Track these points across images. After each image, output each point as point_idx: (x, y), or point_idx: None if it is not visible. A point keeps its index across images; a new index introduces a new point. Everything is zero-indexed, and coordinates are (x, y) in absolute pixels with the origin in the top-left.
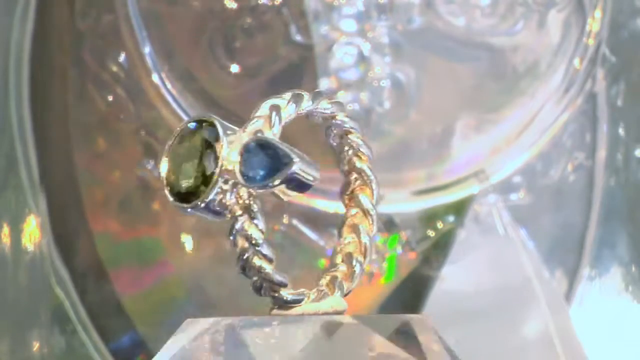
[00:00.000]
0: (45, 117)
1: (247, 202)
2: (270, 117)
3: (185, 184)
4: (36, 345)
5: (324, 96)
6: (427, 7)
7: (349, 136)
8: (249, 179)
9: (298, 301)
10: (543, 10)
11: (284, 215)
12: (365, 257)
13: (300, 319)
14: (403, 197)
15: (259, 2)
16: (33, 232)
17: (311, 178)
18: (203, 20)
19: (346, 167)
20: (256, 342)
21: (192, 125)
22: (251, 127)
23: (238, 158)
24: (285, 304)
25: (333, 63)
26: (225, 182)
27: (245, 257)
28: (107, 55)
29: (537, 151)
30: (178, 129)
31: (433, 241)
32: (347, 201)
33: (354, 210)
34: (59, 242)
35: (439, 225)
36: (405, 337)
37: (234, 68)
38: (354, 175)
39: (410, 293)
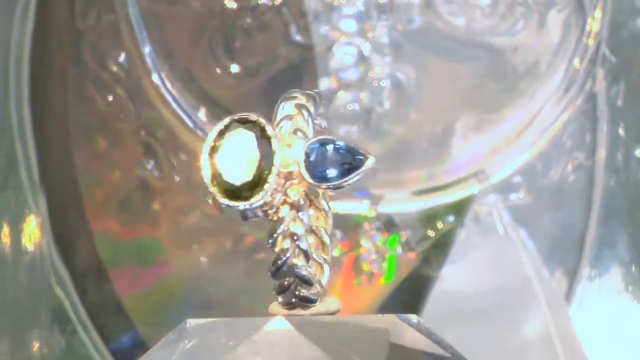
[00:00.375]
0: (45, 117)
1: (296, 199)
2: (302, 115)
3: (236, 183)
4: (36, 345)
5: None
6: (427, 7)
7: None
8: (319, 179)
9: (316, 300)
10: (543, 10)
11: None
12: (328, 254)
13: (298, 319)
14: (403, 197)
15: (259, 2)
16: (33, 232)
17: (369, 174)
18: (203, 20)
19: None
20: (253, 343)
21: (233, 124)
22: (289, 126)
23: (302, 158)
24: (305, 303)
25: (333, 63)
26: (283, 180)
27: (285, 256)
28: (107, 55)
29: (537, 151)
30: (219, 127)
31: (433, 241)
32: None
33: (310, 212)
34: (59, 242)
35: (439, 225)
36: (400, 337)
37: (234, 68)
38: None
39: (410, 293)
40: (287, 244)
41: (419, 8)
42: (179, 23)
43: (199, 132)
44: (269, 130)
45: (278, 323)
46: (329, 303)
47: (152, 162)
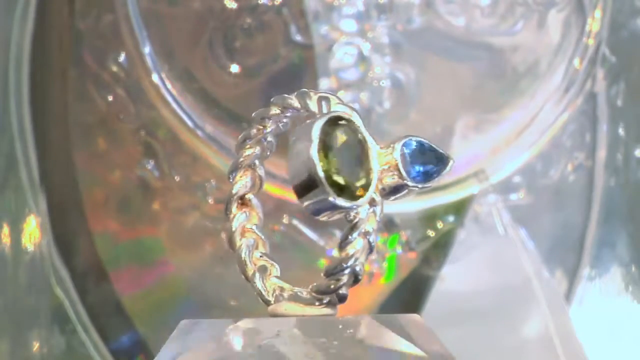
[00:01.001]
0: (45, 117)
1: (373, 197)
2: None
3: (358, 182)
4: (36, 345)
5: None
6: (427, 7)
7: None
8: (413, 178)
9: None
10: (543, 10)
11: (284, 215)
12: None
13: (298, 320)
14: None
15: (259, 2)
16: (33, 232)
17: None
18: (203, 20)
19: None
20: (253, 343)
21: (330, 122)
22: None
23: (399, 156)
24: (341, 302)
25: (333, 63)
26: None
27: (357, 257)
28: (107, 55)
29: (537, 151)
30: (319, 126)
31: (433, 241)
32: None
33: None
34: (59, 242)
35: (439, 225)
36: (400, 337)
37: (234, 68)
38: None
39: (410, 293)
40: (359, 243)
41: (419, 8)
42: (179, 23)
43: (199, 132)
44: (362, 128)
45: (275, 323)
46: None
47: (152, 162)
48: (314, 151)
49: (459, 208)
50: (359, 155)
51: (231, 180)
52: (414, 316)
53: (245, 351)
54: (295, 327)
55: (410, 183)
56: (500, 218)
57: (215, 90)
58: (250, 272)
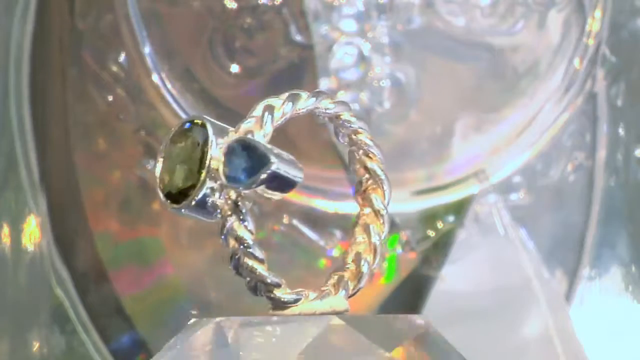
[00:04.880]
0: (45, 117)
1: (235, 202)
2: (262, 117)
3: (180, 184)
4: (36, 345)
5: (326, 95)
6: (427, 7)
7: (358, 136)
8: (232, 180)
9: (294, 301)
10: (543, 10)
11: (284, 215)
12: (374, 257)
13: (300, 319)
14: (403, 197)
15: (259, 2)
16: (33, 232)
17: (293, 177)
18: (203, 20)
19: (357, 167)
20: (256, 342)
21: (185, 126)
22: (242, 127)
23: (222, 158)
24: (281, 305)
25: (333, 63)
26: (215, 182)
27: (237, 257)
28: (107, 55)
29: (537, 151)
30: (172, 130)
31: (433, 241)
32: (360, 201)
33: (366, 210)
34: (59, 242)
35: (439, 225)
36: (404, 337)
37: (234, 68)
38: (366, 175)
39: (410, 293)
40: (236, 245)
41: (419, 8)
42: (179, 23)
43: None
44: (209, 131)
45: (277, 323)
46: (336, 303)
47: (152, 162)
48: (157, 169)
49: (459, 208)
50: (193, 160)
51: None
52: (420, 316)
53: (246, 350)
54: (295, 326)
55: (226, 184)
56: (500, 218)
57: (215, 90)
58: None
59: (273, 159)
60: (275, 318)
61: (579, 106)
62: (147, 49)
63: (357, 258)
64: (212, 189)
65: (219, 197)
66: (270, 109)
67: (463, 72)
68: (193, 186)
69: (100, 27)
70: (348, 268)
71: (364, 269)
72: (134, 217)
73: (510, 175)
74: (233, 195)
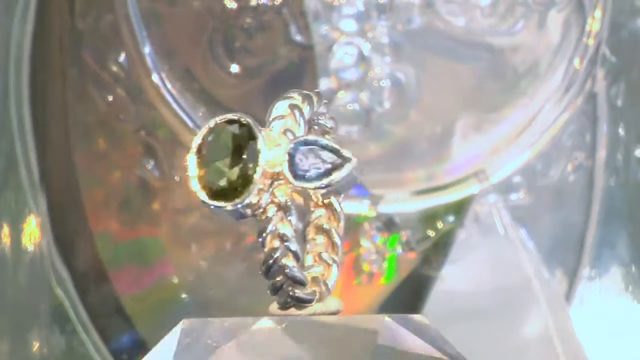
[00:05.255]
0: (45, 117)
1: (283, 200)
2: (294, 115)
3: (222, 183)
4: (36, 345)
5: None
6: (427, 7)
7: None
8: (301, 179)
9: (311, 300)
10: (543, 10)
11: None
12: (338, 255)
13: (298, 319)
14: (403, 197)
15: (259, 2)
16: (33, 232)
17: (355, 178)
18: (203, 20)
19: None
20: (252, 343)
21: (221, 124)
22: (279, 126)
23: (286, 158)
24: (302, 303)
25: (333, 63)
26: (264, 181)
27: (274, 256)
28: (107, 55)
29: (537, 151)
30: (206, 128)
31: (433, 241)
32: (311, 207)
33: (319, 212)
34: (59, 242)
35: (439, 225)
36: (403, 336)
37: (234, 68)
38: None
39: (410, 293)
40: (276, 243)
41: (419, 8)
42: (179, 23)
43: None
44: (255, 130)
45: (268, 322)
46: (329, 303)
47: (152, 162)
48: (190, 157)
49: (459, 208)
50: (238, 157)
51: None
52: (420, 316)
53: (241, 350)
54: (294, 326)
55: (297, 185)
56: (500, 218)
57: (215, 90)
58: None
59: (353, 158)
60: (273, 318)
61: (579, 106)
62: (147, 49)
63: (320, 257)
64: (261, 188)
65: (265, 197)
66: (297, 108)
67: (463, 72)
68: (242, 185)
69: (100, 27)
70: (315, 269)
71: (334, 267)
72: (134, 217)
73: (510, 175)
74: (279, 193)
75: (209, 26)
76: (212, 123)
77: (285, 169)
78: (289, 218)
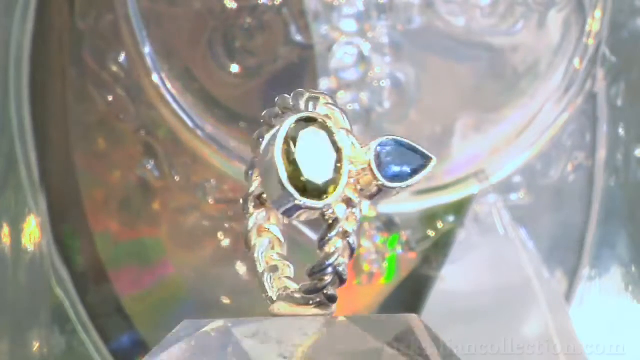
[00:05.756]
0: (45, 117)
1: (352, 198)
2: (341, 114)
3: (316, 181)
4: (36, 345)
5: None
6: (427, 7)
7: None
8: (394, 179)
9: (336, 299)
10: (543, 10)
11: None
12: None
13: (298, 320)
14: (403, 197)
15: (259, 2)
16: (33, 232)
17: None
18: (203, 20)
19: None
20: (252, 343)
21: (299, 123)
22: (322, 117)
23: (372, 156)
24: (331, 301)
25: (333, 63)
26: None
27: (337, 255)
28: (107, 55)
29: (537, 151)
30: (286, 127)
31: (433, 241)
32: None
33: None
34: (59, 242)
35: (439, 225)
36: (400, 337)
37: (234, 68)
38: None
39: (410, 293)
40: (338, 243)
41: (419, 8)
42: (179, 23)
43: (199, 132)
44: (335, 128)
45: (275, 323)
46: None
47: (152, 162)
48: (278, 155)
49: (459, 208)
50: (328, 155)
51: (249, 177)
52: (413, 316)
53: (241, 351)
54: (294, 326)
55: (386, 184)
56: (500, 218)
57: (215, 90)
58: (260, 270)
59: (434, 158)
60: (272, 319)
61: (579, 106)
62: (147, 49)
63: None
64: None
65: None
66: (315, 99)
67: (463, 72)
68: (332, 184)
69: (100, 27)
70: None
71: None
72: (134, 217)
73: (510, 175)
74: (349, 193)
75: (209, 26)
76: (291, 122)
77: (373, 168)
78: (354, 213)
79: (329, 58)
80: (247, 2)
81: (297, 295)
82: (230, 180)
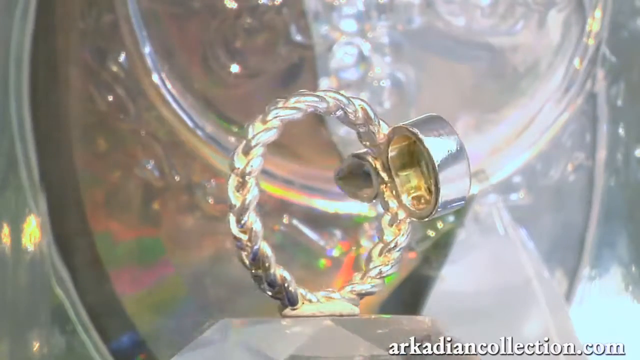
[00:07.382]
0: (45, 117)
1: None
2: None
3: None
4: (36, 345)
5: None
6: (427, 7)
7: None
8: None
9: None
10: (543, 10)
11: (284, 215)
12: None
13: (310, 320)
14: None
15: (259, 2)
16: (33, 232)
17: None
18: (203, 20)
19: None
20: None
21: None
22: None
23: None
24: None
25: (333, 63)
26: None
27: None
28: (107, 55)
29: (537, 151)
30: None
31: (433, 241)
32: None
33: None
34: (59, 242)
35: (439, 225)
36: (406, 337)
37: (234, 68)
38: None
39: (410, 293)
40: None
41: (419, 8)
42: (179, 23)
43: (199, 132)
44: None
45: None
46: (344, 307)
47: (152, 162)
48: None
49: (459, 208)
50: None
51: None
52: (421, 318)
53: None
54: (306, 326)
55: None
56: (500, 218)
57: (215, 90)
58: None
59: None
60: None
61: (579, 106)
62: (147, 49)
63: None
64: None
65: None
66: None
67: (463, 72)
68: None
69: (100, 27)
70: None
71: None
72: (134, 217)
73: (510, 175)
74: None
75: (209, 26)
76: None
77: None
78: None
79: (329, 58)
80: (247, 2)
81: (345, 295)
82: None
